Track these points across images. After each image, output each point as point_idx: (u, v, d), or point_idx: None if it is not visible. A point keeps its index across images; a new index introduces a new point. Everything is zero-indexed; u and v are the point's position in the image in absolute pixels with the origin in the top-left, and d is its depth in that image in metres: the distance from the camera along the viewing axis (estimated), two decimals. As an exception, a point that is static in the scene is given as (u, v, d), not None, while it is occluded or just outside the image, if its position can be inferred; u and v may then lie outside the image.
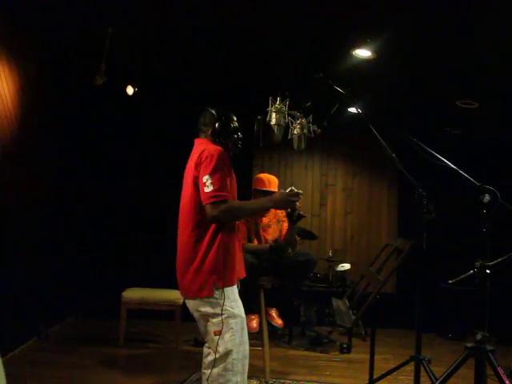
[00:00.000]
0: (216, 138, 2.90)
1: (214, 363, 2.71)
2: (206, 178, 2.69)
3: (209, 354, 2.77)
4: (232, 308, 2.73)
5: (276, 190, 4.84)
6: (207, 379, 2.73)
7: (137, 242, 6.23)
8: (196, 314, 2.81)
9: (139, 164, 6.36)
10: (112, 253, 6.21)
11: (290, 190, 2.93)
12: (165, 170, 5.84)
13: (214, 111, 2.95)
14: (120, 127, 6.29)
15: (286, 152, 6.76)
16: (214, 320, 2.73)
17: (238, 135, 2.98)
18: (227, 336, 2.70)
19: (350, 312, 3.13)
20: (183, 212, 2.86)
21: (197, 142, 2.97)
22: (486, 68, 4.48)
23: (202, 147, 2.84)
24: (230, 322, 2.71)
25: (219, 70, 5.10)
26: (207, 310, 2.73)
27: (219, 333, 2.70)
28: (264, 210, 2.92)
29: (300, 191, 2.94)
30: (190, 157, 2.91)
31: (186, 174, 2.90)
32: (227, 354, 2.70)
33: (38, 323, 5.02)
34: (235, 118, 3.00)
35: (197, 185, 2.76)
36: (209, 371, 2.73)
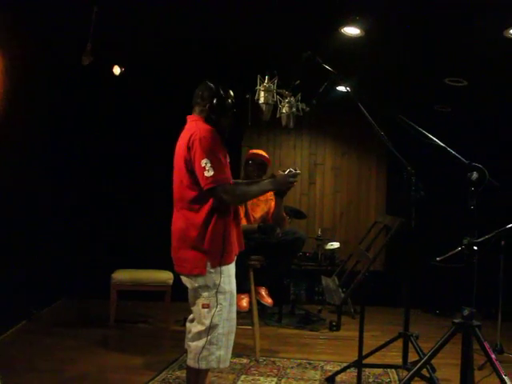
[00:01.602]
0: (212, 113, 2.85)
1: (199, 336, 2.77)
2: (204, 162, 2.66)
3: (194, 326, 2.81)
4: (224, 284, 2.76)
5: (266, 157, 4.91)
6: (192, 351, 2.79)
7: (126, 223, 6.22)
8: (188, 286, 2.85)
9: (128, 145, 6.31)
10: (101, 234, 6.21)
11: (289, 172, 2.96)
12: (155, 151, 5.81)
13: (213, 85, 2.88)
14: (107, 107, 6.23)
15: (274, 131, 6.74)
16: (205, 293, 2.77)
17: (233, 112, 2.94)
18: (214, 310, 2.74)
19: (340, 290, 3.16)
20: (177, 192, 2.85)
21: (189, 119, 2.91)
22: (475, 46, 4.47)
23: (193, 127, 2.79)
24: (220, 297, 2.75)
25: (207, 49, 5.05)
26: (199, 283, 2.76)
27: (207, 306, 2.75)
28: (265, 192, 2.94)
29: (298, 171, 2.99)
30: (181, 136, 2.87)
31: (176, 154, 2.86)
32: (213, 328, 2.75)
33: (29, 305, 5.02)
34: (232, 94, 2.95)
35: (190, 167, 2.74)
36: (194, 343, 2.79)
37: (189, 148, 2.73)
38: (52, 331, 4.81)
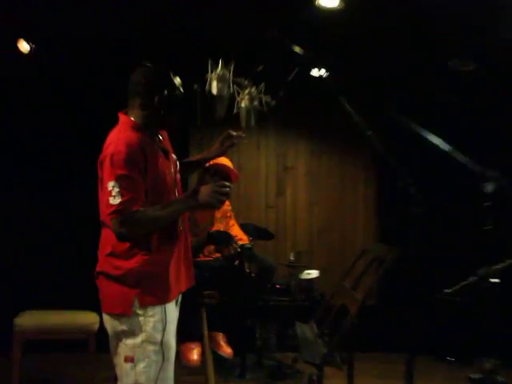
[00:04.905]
0: (161, 108, 2.83)
1: None
2: (111, 185, 2.64)
3: None
4: (155, 331, 2.72)
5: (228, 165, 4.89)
6: None
7: (35, 247, 6.04)
8: (108, 329, 2.83)
9: (37, 151, 6.15)
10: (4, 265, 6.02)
11: (216, 182, 2.86)
12: (75, 157, 5.72)
13: (161, 71, 2.87)
14: (12, 97, 6.08)
15: (231, 129, 6.65)
16: (128, 341, 2.73)
17: (184, 106, 2.95)
18: (141, 366, 2.70)
19: (320, 341, 3.13)
20: (101, 207, 2.83)
21: (120, 119, 2.89)
22: (485, 20, 4.52)
23: (113, 137, 2.79)
24: (148, 348, 2.71)
25: (144, 24, 4.99)
26: (123, 326, 2.73)
27: (131, 360, 2.71)
28: (180, 213, 2.84)
29: (227, 184, 2.83)
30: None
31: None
32: None
33: None
34: (180, 82, 2.94)
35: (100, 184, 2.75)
36: None
37: (100, 163, 2.76)
38: None
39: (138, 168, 2.69)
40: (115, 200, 2.62)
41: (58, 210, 6.02)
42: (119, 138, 2.75)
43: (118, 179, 2.64)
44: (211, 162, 4.97)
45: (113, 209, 2.63)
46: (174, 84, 2.87)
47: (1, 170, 6.09)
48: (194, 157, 3.54)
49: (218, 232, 4.75)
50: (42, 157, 6.15)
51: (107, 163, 2.68)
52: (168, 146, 3.01)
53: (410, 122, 3.10)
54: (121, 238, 2.69)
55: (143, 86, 2.84)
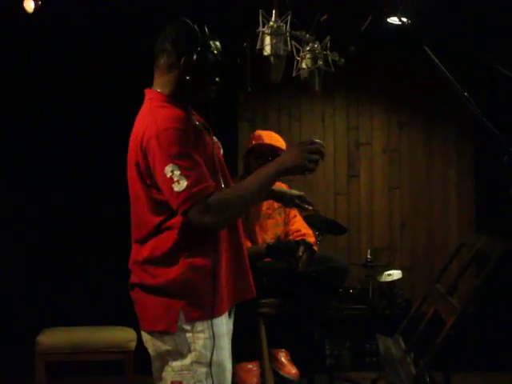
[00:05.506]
0: (187, 73, 2.80)
1: None
2: (170, 170, 2.59)
3: None
4: (205, 349, 2.73)
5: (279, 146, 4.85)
6: None
7: (56, 257, 6.15)
8: (149, 349, 2.86)
9: (48, 137, 6.22)
10: (21, 275, 6.12)
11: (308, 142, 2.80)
12: (104, 148, 5.82)
13: (194, 27, 2.81)
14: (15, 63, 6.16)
15: (290, 98, 6.72)
16: (175, 364, 2.74)
17: (219, 71, 2.91)
18: None
19: (409, 358, 3.08)
20: (133, 216, 2.87)
21: (147, 95, 2.89)
22: None
23: (148, 115, 2.76)
24: (199, 370, 2.72)
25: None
26: (167, 346, 2.76)
27: None
28: (270, 182, 2.80)
29: (317, 140, 2.77)
30: (134, 128, 2.83)
31: (129, 158, 2.83)
32: None
33: None
34: (219, 45, 2.90)
35: (147, 179, 2.72)
36: None
37: (143, 151, 2.69)
38: None
39: (191, 144, 2.68)
40: (181, 185, 2.58)
41: (83, 213, 6.14)
42: (157, 114, 2.73)
43: (175, 160, 2.61)
44: (256, 136, 4.95)
45: (182, 197, 2.59)
46: (208, 46, 2.83)
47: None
48: None
49: (279, 244, 4.70)
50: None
51: (154, 146, 2.65)
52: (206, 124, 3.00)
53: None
54: (209, 229, 2.69)
55: (171, 41, 2.82)
